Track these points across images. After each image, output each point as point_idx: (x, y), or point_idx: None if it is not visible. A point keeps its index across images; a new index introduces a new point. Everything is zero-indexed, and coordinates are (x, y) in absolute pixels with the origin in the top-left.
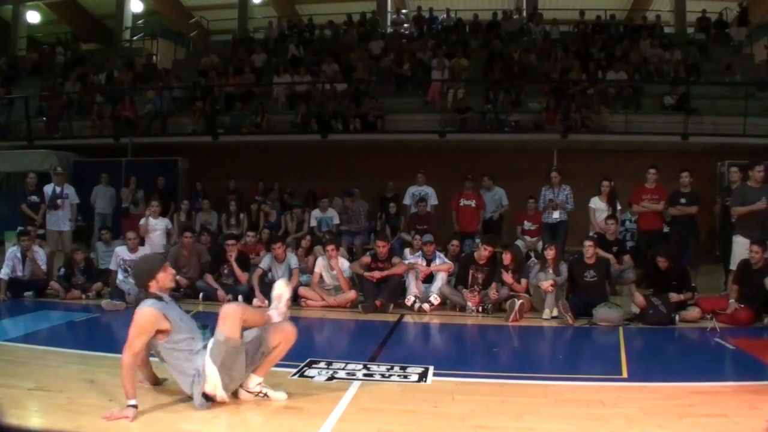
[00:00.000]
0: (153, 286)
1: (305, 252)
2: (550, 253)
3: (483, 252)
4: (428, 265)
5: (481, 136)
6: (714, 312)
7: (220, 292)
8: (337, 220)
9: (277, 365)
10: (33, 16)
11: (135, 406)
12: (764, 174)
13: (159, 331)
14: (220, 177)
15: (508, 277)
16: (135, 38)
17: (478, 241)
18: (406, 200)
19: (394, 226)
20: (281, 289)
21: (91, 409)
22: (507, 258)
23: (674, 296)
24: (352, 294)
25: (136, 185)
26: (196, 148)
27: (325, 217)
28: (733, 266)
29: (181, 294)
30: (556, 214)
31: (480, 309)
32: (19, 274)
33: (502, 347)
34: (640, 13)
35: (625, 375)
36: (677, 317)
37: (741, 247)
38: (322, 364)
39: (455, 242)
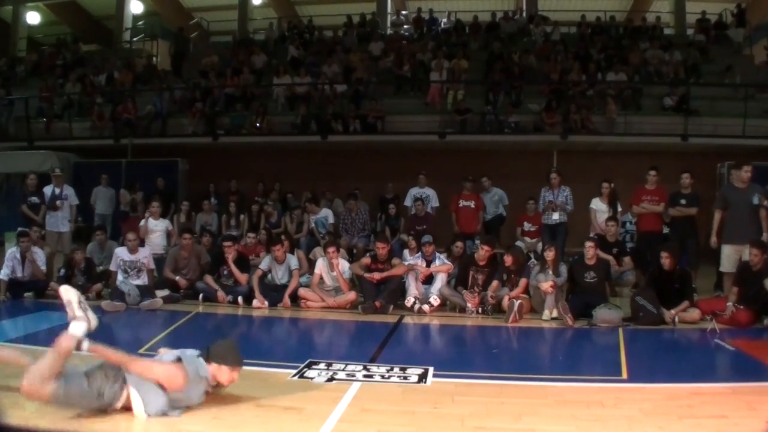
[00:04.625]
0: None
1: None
2: (549, 255)
3: (482, 252)
4: (428, 266)
5: (481, 138)
6: (714, 313)
7: (220, 293)
8: (332, 219)
9: (277, 366)
10: (33, 17)
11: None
12: (752, 175)
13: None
14: (221, 178)
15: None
16: (135, 39)
17: (478, 242)
18: (407, 202)
19: (394, 227)
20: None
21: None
22: (509, 260)
23: (670, 314)
24: (351, 295)
25: (137, 189)
26: (196, 150)
27: (319, 218)
28: (723, 268)
29: (181, 295)
30: (555, 216)
31: (479, 310)
32: (19, 275)
33: (502, 348)
34: (640, 15)
35: (624, 376)
36: (677, 318)
37: (727, 252)
38: (322, 365)
39: (459, 243)
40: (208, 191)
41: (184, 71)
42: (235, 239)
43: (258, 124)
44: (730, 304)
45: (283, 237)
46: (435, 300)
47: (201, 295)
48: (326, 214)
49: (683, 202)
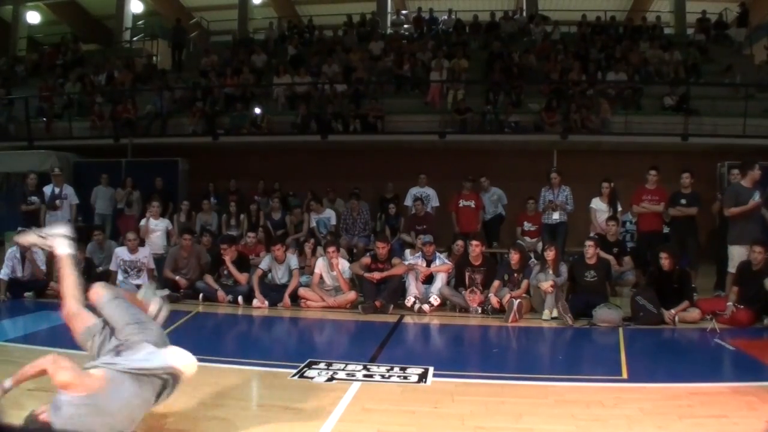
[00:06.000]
0: None
1: (311, 253)
2: (550, 254)
3: (474, 249)
4: (428, 265)
5: (481, 137)
6: (714, 313)
7: (220, 293)
8: (334, 221)
9: (277, 366)
10: (33, 17)
11: None
12: (761, 174)
13: None
14: (220, 178)
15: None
16: (135, 39)
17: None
18: (408, 202)
19: (393, 227)
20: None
21: None
22: (515, 257)
23: (670, 314)
24: (352, 295)
25: (132, 186)
26: (196, 149)
27: (322, 218)
28: (732, 269)
29: (181, 295)
30: (555, 215)
31: (480, 309)
32: (19, 274)
33: (502, 348)
34: (640, 14)
35: (624, 376)
36: (677, 318)
37: (738, 253)
38: (322, 365)
39: (460, 242)
40: (208, 191)
41: (183, 67)
42: (232, 241)
43: (258, 112)
44: (730, 303)
45: (311, 241)
46: (435, 300)
47: (201, 295)
48: (329, 214)
49: (683, 201)
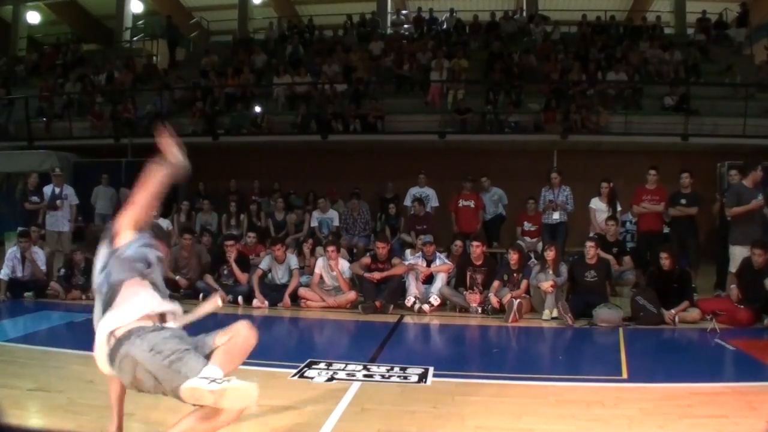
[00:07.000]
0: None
1: (310, 253)
2: (550, 254)
3: (475, 249)
4: (428, 265)
5: (481, 137)
6: (714, 313)
7: (221, 293)
8: (337, 222)
9: (278, 366)
10: (33, 17)
11: None
12: (764, 175)
13: None
14: (220, 178)
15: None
16: (135, 39)
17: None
18: (407, 202)
19: (393, 227)
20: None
21: (91, 409)
22: (514, 258)
23: (670, 314)
24: (351, 295)
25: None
26: (196, 149)
27: (325, 218)
28: (734, 269)
29: (181, 295)
30: (556, 215)
31: (479, 310)
32: (19, 274)
33: (502, 348)
34: (640, 14)
35: (625, 376)
36: (677, 318)
37: (740, 253)
38: (322, 365)
39: (458, 242)
40: (198, 190)
41: (179, 64)
42: (236, 238)
43: (258, 112)
44: (733, 286)
45: (310, 241)
46: (435, 300)
47: (201, 295)
48: (333, 215)
49: (683, 201)
